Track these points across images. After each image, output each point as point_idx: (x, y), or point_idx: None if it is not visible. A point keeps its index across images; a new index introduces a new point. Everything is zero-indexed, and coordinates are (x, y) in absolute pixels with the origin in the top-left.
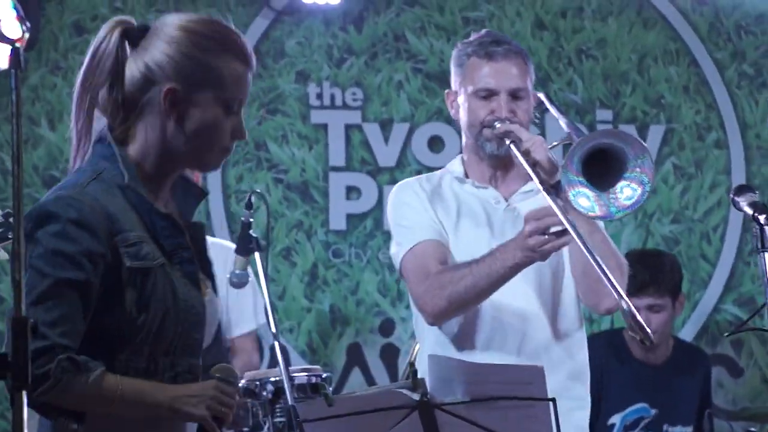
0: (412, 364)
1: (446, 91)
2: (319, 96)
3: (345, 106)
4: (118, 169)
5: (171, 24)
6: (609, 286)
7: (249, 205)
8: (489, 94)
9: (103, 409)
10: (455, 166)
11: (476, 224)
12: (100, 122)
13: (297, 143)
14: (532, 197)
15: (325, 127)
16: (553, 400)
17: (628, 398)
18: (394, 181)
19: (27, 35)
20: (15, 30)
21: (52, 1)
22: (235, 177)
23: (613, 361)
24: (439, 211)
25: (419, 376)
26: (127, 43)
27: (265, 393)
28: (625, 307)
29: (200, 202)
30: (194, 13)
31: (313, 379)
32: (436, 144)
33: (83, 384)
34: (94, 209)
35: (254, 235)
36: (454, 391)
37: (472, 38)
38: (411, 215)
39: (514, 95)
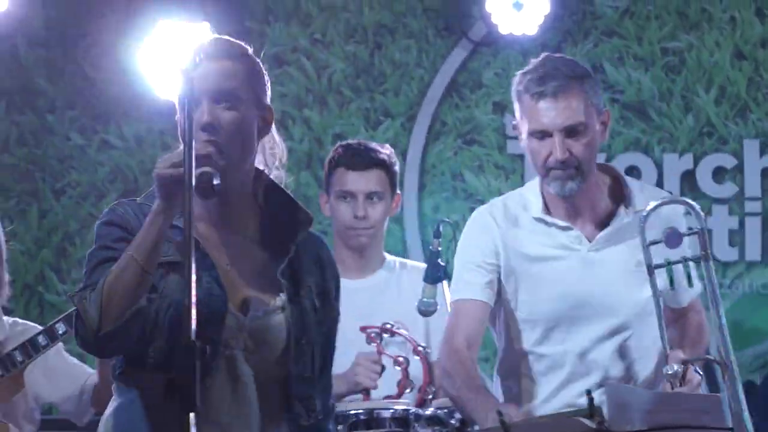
0: (588, 392)
1: (513, 123)
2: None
3: None
4: None
5: None
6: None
7: (437, 234)
8: (543, 135)
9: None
10: (534, 196)
11: (554, 263)
12: None
13: (493, 173)
14: (616, 242)
15: (521, 157)
16: (732, 429)
17: None
18: None
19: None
20: (186, 59)
21: (253, 33)
22: (431, 206)
23: None
24: (510, 249)
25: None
26: None
27: (453, 421)
28: None
29: (304, 228)
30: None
31: None
32: (632, 173)
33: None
34: (126, 212)
35: (442, 263)
36: (631, 419)
37: (528, 68)
38: (469, 259)
39: (570, 132)
